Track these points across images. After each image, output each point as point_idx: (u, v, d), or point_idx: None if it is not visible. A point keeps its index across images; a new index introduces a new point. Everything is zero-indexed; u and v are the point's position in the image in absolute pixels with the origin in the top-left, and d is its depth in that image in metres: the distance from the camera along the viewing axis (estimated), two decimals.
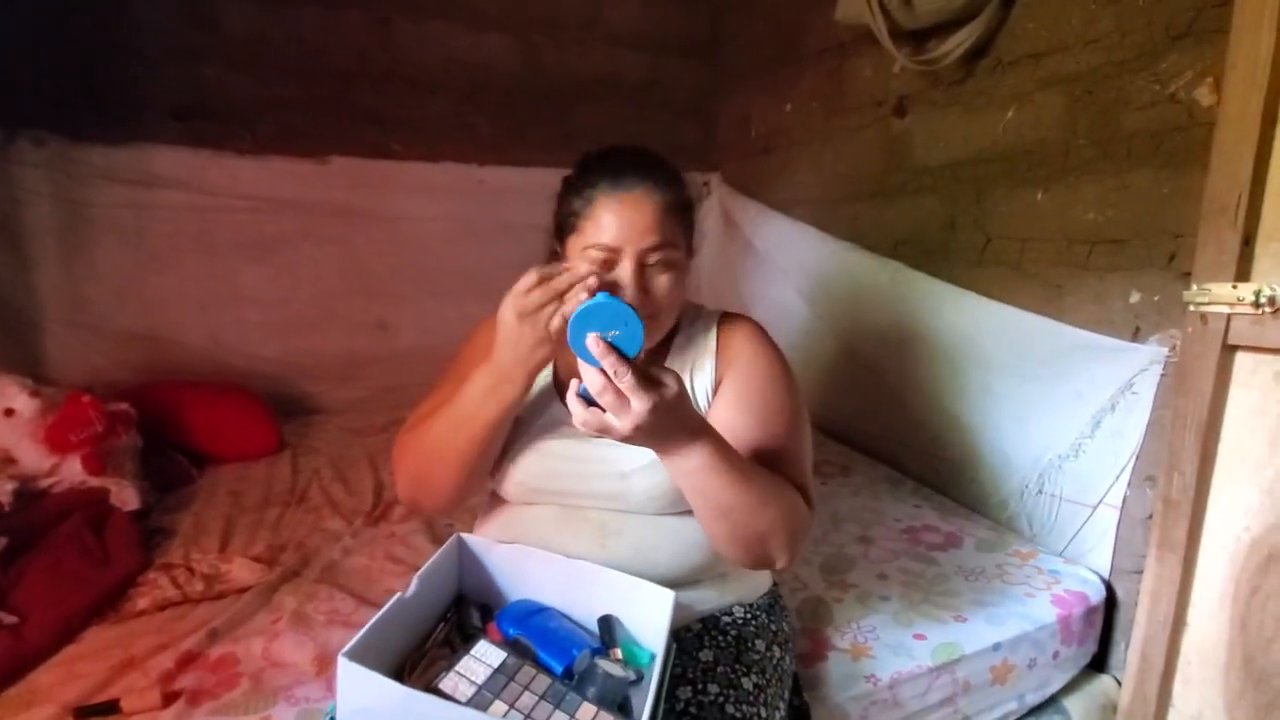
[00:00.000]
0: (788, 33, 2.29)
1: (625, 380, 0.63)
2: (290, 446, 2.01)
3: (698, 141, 2.78)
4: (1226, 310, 1.00)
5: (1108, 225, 1.32)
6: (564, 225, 0.86)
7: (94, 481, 1.51)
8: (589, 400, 0.66)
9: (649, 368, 0.66)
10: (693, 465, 0.72)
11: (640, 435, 0.66)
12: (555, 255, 0.89)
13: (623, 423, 0.64)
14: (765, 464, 0.82)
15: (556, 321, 0.73)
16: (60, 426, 1.53)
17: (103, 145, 1.97)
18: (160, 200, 2.06)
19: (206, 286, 2.16)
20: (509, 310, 0.75)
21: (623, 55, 2.59)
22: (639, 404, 0.63)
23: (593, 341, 0.64)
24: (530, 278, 0.75)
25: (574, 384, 0.67)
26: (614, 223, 0.79)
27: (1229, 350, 1.02)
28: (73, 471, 1.51)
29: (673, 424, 0.68)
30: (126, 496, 1.51)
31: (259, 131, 2.18)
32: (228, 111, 2.13)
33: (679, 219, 0.84)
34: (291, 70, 2.19)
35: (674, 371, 0.68)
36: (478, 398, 0.80)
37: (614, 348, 0.64)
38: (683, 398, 0.68)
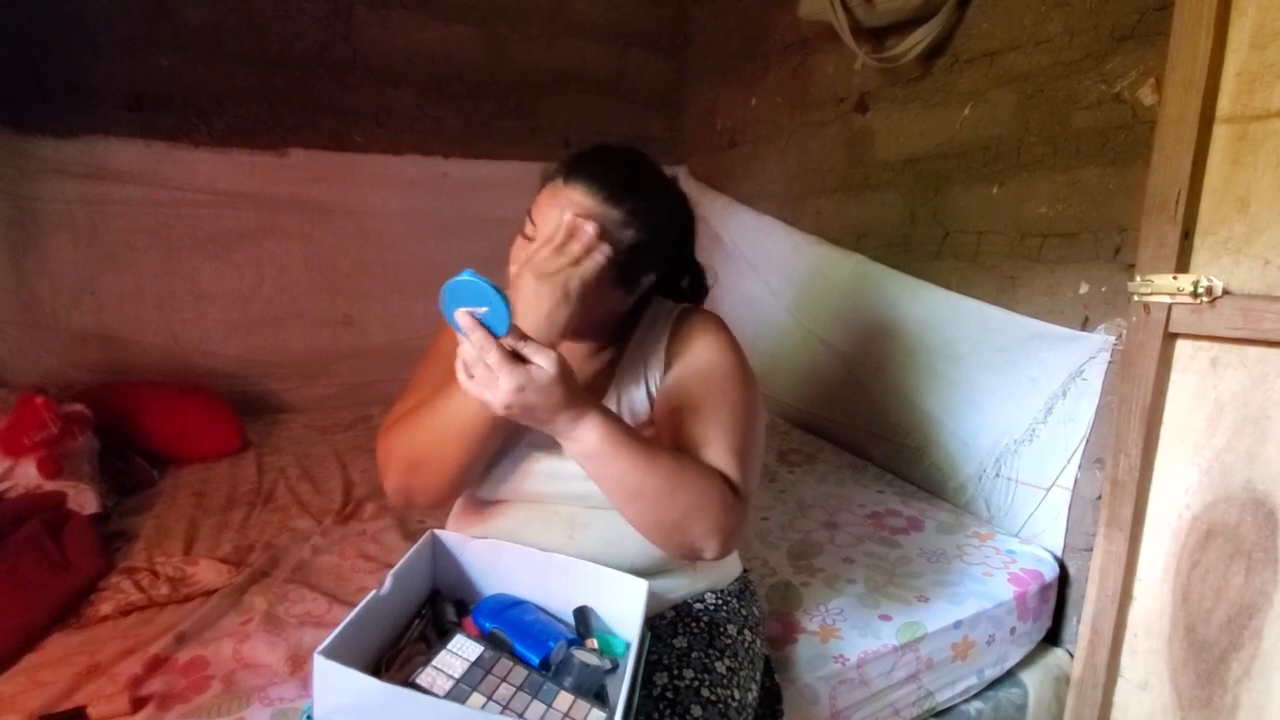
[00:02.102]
0: (752, 28, 2.31)
1: (490, 357, 0.64)
2: (254, 446, 1.98)
3: (664, 135, 2.79)
4: (1168, 300, 1.06)
5: (1058, 219, 1.37)
6: None
7: (50, 485, 1.46)
8: None
9: (525, 346, 0.66)
10: (586, 448, 0.73)
11: (516, 412, 0.67)
12: None
13: (494, 397, 0.66)
14: (693, 446, 0.81)
15: (575, 283, 0.75)
16: (13, 429, 1.48)
17: (52, 137, 1.90)
18: (114, 194, 1.99)
19: (164, 283, 2.10)
20: (527, 275, 0.76)
21: (589, 48, 2.58)
22: (505, 381, 0.65)
23: (461, 316, 0.65)
24: (544, 246, 0.77)
25: (458, 353, 0.68)
26: (544, 205, 0.85)
27: (1170, 338, 1.08)
28: (27, 475, 1.47)
29: (549, 405, 0.68)
30: (85, 500, 1.47)
31: (215, 123, 2.12)
32: (183, 102, 2.07)
33: (604, 237, 0.81)
34: (249, 59, 2.13)
35: (554, 353, 0.67)
36: (458, 404, 0.78)
37: (481, 324, 0.65)
38: (560, 380, 0.67)
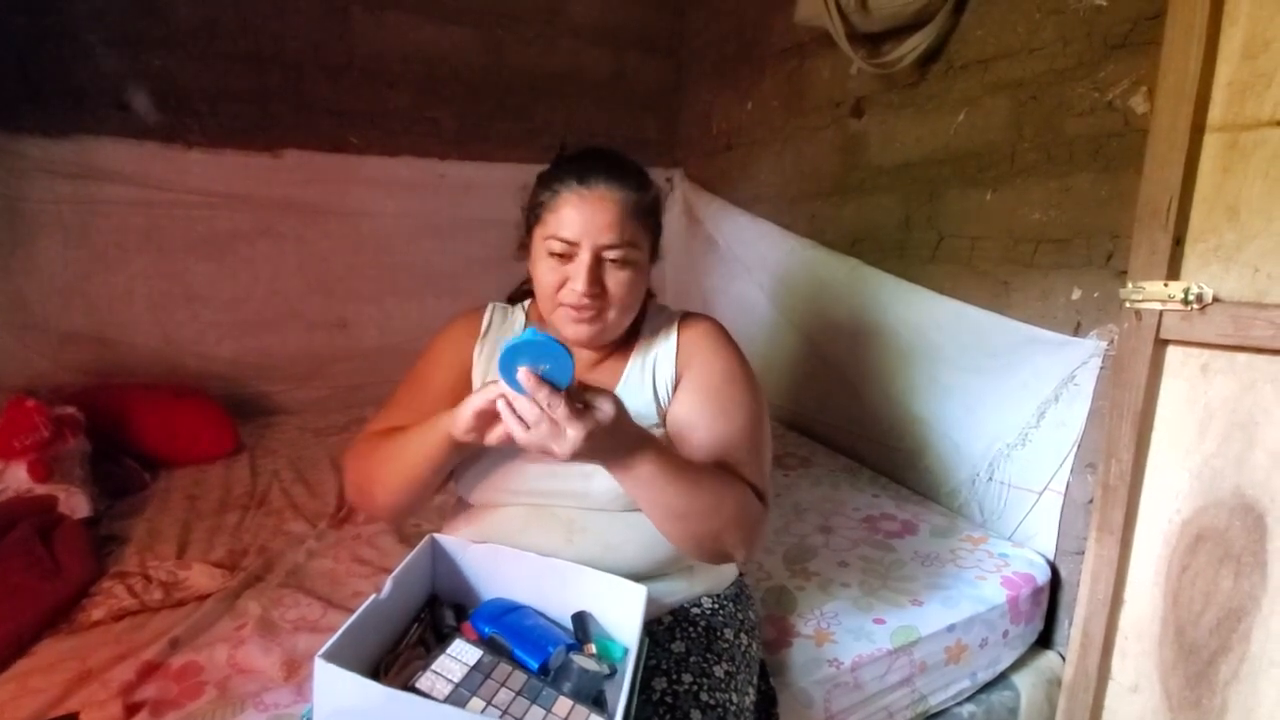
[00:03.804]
0: (749, 32, 2.32)
1: (559, 412, 0.65)
2: (248, 449, 1.96)
3: (661, 137, 2.80)
4: (1159, 307, 1.07)
5: (1051, 225, 1.38)
6: (531, 217, 0.89)
7: (41, 489, 1.45)
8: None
9: (584, 393, 0.68)
10: (640, 477, 0.74)
11: (581, 457, 0.68)
12: (524, 247, 0.92)
13: (560, 448, 0.66)
14: (719, 460, 0.84)
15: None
16: (4, 433, 1.47)
17: (41, 137, 1.88)
18: (105, 195, 1.97)
19: (156, 285, 2.08)
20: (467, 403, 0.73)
21: (586, 50, 2.58)
22: (574, 432, 0.66)
23: (524, 376, 0.65)
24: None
25: (501, 406, 0.68)
26: (575, 217, 0.82)
27: (1161, 344, 1.09)
28: (18, 479, 1.45)
29: (612, 444, 0.70)
30: (76, 504, 1.46)
31: (209, 123, 2.11)
32: (176, 102, 2.05)
33: (641, 221, 0.86)
34: (243, 59, 2.12)
35: (611, 394, 0.69)
36: (420, 440, 0.81)
37: (545, 381, 0.65)
38: (620, 419, 0.69)
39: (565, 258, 0.83)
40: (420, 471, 0.82)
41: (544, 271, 0.85)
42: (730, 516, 0.80)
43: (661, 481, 0.75)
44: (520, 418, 0.67)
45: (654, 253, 0.93)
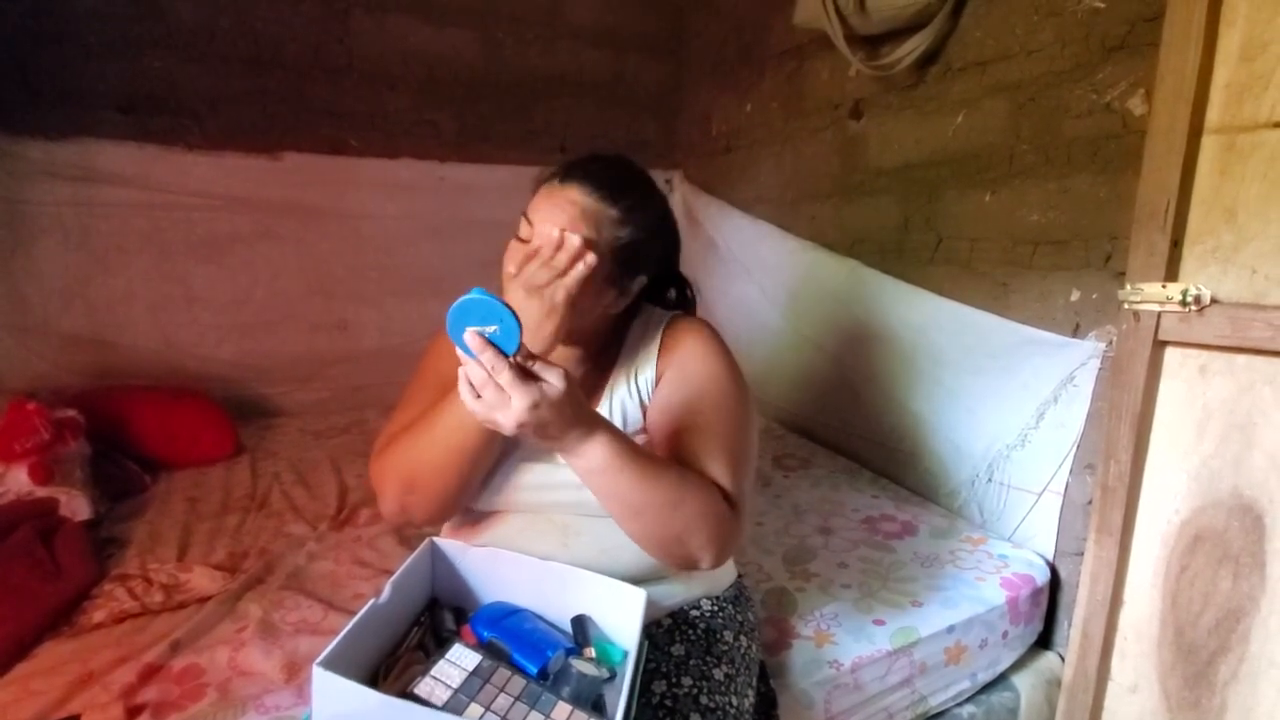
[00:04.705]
0: (748, 34, 2.32)
1: (503, 376, 0.64)
2: (248, 450, 1.97)
3: (660, 139, 2.80)
4: (1157, 309, 1.07)
5: (1050, 227, 1.39)
6: None
7: (42, 491, 1.45)
8: None
9: (534, 364, 0.67)
10: (593, 465, 0.73)
11: (527, 430, 0.67)
12: None
13: (505, 417, 0.65)
14: (690, 459, 0.82)
15: (561, 294, 0.76)
16: (4, 435, 1.47)
17: (42, 139, 1.89)
18: (105, 197, 1.97)
19: (157, 287, 2.09)
20: (516, 288, 0.77)
21: (585, 52, 2.58)
22: (519, 400, 0.64)
23: (470, 336, 0.64)
24: (531, 261, 0.77)
25: (461, 372, 0.67)
26: (541, 206, 0.85)
27: (1159, 346, 1.09)
28: (19, 482, 1.45)
29: (561, 421, 0.68)
30: (77, 506, 1.46)
31: (209, 126, 2.11)
32: (176, 104, 2.06)
33: (599, 236, 0.83)
34: (243, 62, 2.12)
35: (562, 369, 0.67)
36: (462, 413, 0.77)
37: (491, 343, 0.64)
38: (570, 396, 0.67)
39: (526, 241, 0.85)
40: (476, 444, 0.79)
41: (510, 249, 0.87)
42: (692, 516, 0.77)
43: (615, 470, 0.73)
44: (470, 383, 0.66)
45: (619, 282, 0.88)
